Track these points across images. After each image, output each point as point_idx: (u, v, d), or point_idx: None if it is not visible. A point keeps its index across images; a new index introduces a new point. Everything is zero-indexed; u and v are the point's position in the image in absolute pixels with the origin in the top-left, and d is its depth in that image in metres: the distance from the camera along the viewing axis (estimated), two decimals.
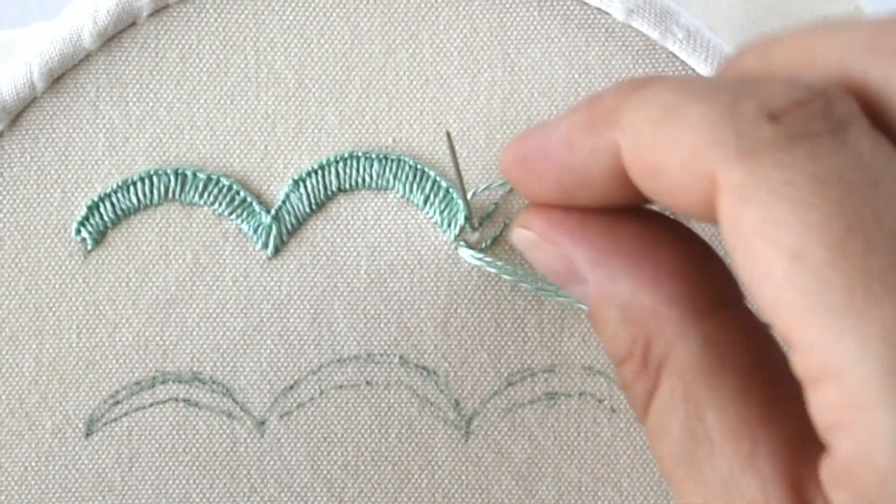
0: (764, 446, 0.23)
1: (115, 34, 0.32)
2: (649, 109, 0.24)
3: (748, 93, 0.23)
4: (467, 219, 0.32)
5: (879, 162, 0.22)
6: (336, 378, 0.33)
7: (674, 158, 0.23)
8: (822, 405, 0.21)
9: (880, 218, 0.21)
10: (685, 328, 0.25)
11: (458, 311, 0.33)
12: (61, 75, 0.32)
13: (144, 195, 0.33)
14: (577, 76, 0.32)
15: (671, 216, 0.26)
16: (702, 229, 0.29)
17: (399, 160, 0.33)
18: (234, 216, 0.33)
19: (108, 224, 0.33)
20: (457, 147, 0.32)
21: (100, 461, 0.33)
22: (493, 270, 0.31)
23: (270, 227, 0.33)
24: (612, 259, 0.26)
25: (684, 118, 0.23)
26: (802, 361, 0.21)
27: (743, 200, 0.22)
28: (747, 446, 0.23)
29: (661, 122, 0.23)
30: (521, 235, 0.29)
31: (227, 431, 0.33)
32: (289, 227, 0.33)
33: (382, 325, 0.33)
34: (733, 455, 0.23)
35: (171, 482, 0.33)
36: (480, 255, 0.32)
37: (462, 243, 0.32)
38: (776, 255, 0.21)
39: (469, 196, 0.32)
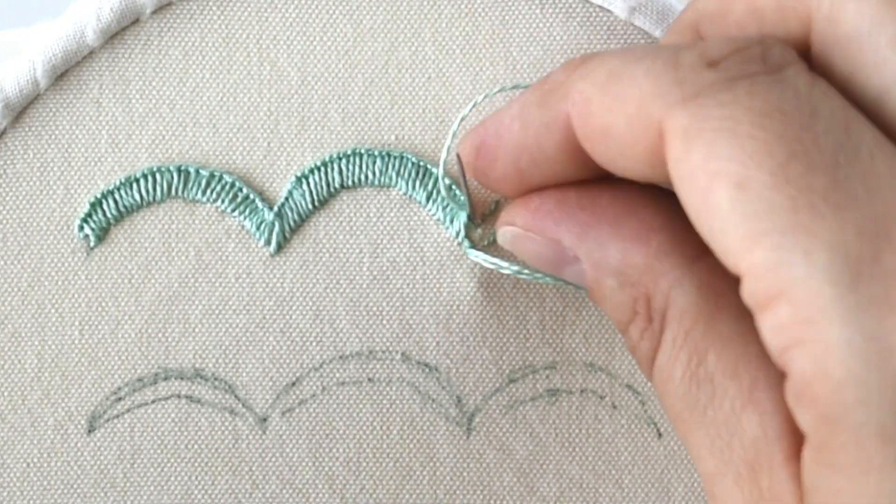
0: (763, 381, 0.23)
1: (119, 31, 0.32)
2: (595, 76, 0.25)
3: (688, 47, 0.24)
4: (470, 217, 0.32)
5: (816, 95, 0.23)
6: (338, 375, 0.33)
7: (621, 116, 0.24)
8: (774, 327, 0.21)
9: (819, 142, 0.22)
10: (680, 277, 0.25)
11: (460, 307, 0.33)
12: (64, 72, 0.33)
13: (147, 192, 0.33)
14: None
15: None
16: None
17: (402, 157, 0.33)
18: (236, 213, 0.33)
19: (111, 221, 0.33)
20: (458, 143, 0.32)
21: (102, 457, 0.33)
22: (507, 272, 0.31)
23: (273, 224, 0.33)
24: (596, 229, 0.26)
25: (629, 77, 0.24)
26: (751, 287, 0.22)
27: (688, 141, 0.22)
28: (747, 382, 0.23)
29: (607, 84, 0.24)
30: (506, 232, 0.29)
31: (230, 428, 0.33)
32: (291, 223, 0.33)
33: (384, 321, 0.33)
34: (734, 392, 0.23)
35: (172, 479, 0.33)
36: (495, 260, 0.31)
37: (469, 244, 0.32)
38: (721, 187, 0.22)
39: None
